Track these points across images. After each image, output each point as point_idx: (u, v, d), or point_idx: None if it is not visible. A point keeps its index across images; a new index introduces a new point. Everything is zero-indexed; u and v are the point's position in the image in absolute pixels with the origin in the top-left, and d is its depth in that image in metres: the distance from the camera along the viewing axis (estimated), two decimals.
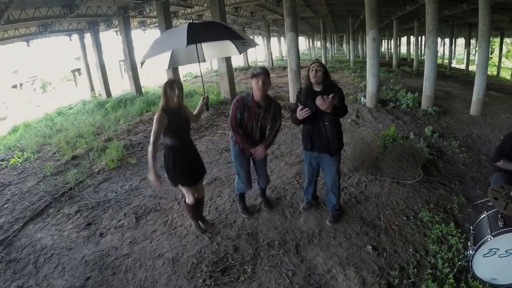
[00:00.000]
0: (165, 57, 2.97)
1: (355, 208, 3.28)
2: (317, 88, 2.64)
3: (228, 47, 2.97)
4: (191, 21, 2.82)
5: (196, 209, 3.02)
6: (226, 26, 2.89)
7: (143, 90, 11.86)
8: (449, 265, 2.39)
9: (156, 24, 14.58)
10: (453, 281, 2.24)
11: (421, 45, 21.51)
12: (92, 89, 13.85)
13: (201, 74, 3.14)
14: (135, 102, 9.22)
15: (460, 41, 30.37)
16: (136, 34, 11.51)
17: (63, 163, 5.13)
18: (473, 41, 21.76)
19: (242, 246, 2.82)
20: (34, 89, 23.06)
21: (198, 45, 2.82)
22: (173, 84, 2.55)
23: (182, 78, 15.62)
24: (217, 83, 13.52)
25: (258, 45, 3.40)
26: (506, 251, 2.07)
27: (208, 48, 3.03)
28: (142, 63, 2.80)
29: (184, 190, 2.84)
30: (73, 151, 5.61)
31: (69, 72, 25.20)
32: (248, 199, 3.53)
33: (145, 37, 16.56)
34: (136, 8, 9.97)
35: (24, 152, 5.81)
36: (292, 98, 8.15)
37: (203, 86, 3.23)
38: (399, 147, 3.97)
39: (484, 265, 2.17)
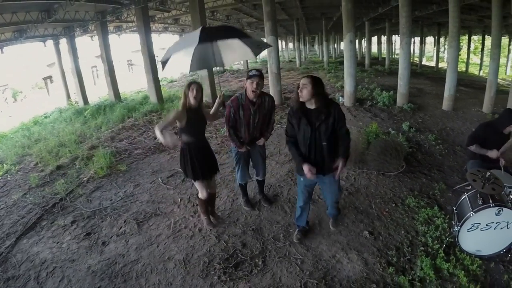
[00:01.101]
0: (186, 61, 3.08)
1: (348, 199, 3.55)
2: (310, 106, 2.38)
3: (245, 51, 3.06)
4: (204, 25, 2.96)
5: (208, 205, 3.20)
6: (236, 28, 3.08)
7: (121, 96, 11.59)
8: (438, 242, 2.72)
9: (132, 29, 14.46)
10: (443, 255, 2.57)
11: (392, 44, 22.73)
12: (69, 96, 13.33)
13: (218, 76, 3.28)
14: (115, 109, 9.05)
15: (429, 39, 32.40)
16: (111, 38, 11.20)
17: (48, 173, 4.97)
18: (441, 39, 23.26)
19: (250, 242, 2.96)
20: (6, 99, 21.52)
21: (217, 50, 2.98)
22: (191, 85, 2.78)
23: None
24: None
25: (271, 46, 3.62)
26: (486, 225, 2.41)
27: (226, 53, 3.16)
28: (163, 64, 2.91)
29: (197, 185, 2.98)
30: (57, 161, 5.43)
31: (41, 80, 23.88)
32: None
33: (120, 41, 16.16)
34: (114, 12, 9.80)
35: (4, 164, 5.54)
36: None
37: (220, 86, 3.39)
38: (382, 142, 4.33)
39: (468, 239, 2.51)
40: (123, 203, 3.93)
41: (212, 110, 3.08)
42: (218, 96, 3.05)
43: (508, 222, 2.37)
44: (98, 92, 14.78)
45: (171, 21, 15.46)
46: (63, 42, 12.14)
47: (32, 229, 3.54)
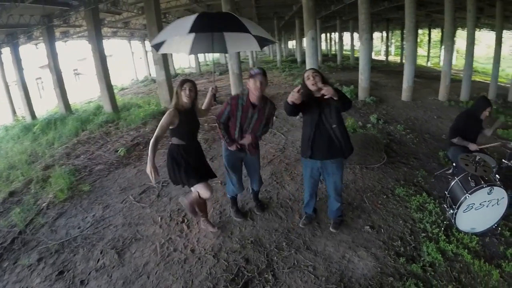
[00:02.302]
0: (187, 43, 2.92)
1: None
2: (317, 94, 2.50)
3: (250, 41, 2.87)
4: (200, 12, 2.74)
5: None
6: (238, 18, 2.78)
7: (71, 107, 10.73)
8: (436, 226, 2.85)
9: (80, 34, 13.50)
10: (444, 237, 2.69)
11: (342, 41, 24.43)
12: (14, 111, 12.00)
13: (214, 66, 3.21)
14: (67, 122, 8.26)
15: (375, 35, 35.48)
16: (57, 46, 10.30)
17: (0, 202, 4.19)
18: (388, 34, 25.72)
19: (252, 256, 2.76)
20: None
21: (219, 34, 2.87)
22: (184, 83, 2.56)
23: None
24: (148, 94, 13.03)
25: (276, 42, 3.53)
26: (480, 204, 2.60)
27: (230, 39, 2.99)
28: (156, 46, 2.81)
29: (199, 187, 2.75)
30: (9, 186, 4.62)
31: None
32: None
33: (65, 50, 14.82)
34: (62, 16, 8.87)
35: None
36: None
37: (214, 78, 3.34)
38: (363, 135, 4.47)
39: (464, 219, 2.68)
40: (95, 230, 3.40)
41: (204, 105, 2.90)
42: (211, 88, 2.89)
43: (498, 199, 2.58)
44: (45, 105, 13.53)
45: (121, 25, 14.73)
46: (5, 51, 10.94)
47: None
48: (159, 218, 3.49)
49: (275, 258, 2.71)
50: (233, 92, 8.13)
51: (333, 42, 32.98)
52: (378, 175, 3.95)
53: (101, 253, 3.02)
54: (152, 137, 2.49)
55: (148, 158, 2.41)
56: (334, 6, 13.66)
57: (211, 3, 12.51)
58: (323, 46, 34.08)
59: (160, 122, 2.54)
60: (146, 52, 22.88)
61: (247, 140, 2.85)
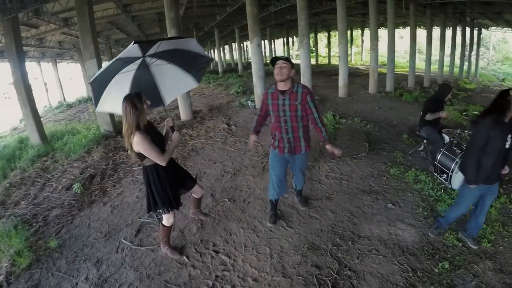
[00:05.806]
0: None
1: (351, 186, 4.28)
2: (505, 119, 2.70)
3: (186, 80, 3.14)
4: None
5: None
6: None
7: None
8: (437, 190, 3.91)
9: None
10: (447, 196, 3.76)
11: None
12: None
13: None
14: None
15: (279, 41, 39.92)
16: None
17: None
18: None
19: (319, 261, 3.00)
20: None
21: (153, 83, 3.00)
22: (141, 95, 2.57)
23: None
24: (71, 120, 11.60)
25: (212, 59, 3.61)
26: None
27: (165, 87, 3.09)
28: (95, 100, 2.82)
29: (167, 214, 2.97)
30: None
31: None
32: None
33: None
34: None
35: None
36: (184, 116, 8.06)
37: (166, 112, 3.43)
38: (347, 130, 5.41)
39: (456, 179, 3.79)
40: None
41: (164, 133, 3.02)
42: (166, 120, 3.00)
43: None
44: None
45: (35, 42, 13.58)
46: None
47: None
48: (184, 257, 3.23)
49: (340, 254, 3.07)
50: (181, 104, 8.08)
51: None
52: (368, 162, 4.89)
53: None
54: (159, 161, 2.65)
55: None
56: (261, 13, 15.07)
57: (136, 14, 12.52)
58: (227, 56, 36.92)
59: (147, 146, 2.54)
60: (58, 74, 21.07)
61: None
